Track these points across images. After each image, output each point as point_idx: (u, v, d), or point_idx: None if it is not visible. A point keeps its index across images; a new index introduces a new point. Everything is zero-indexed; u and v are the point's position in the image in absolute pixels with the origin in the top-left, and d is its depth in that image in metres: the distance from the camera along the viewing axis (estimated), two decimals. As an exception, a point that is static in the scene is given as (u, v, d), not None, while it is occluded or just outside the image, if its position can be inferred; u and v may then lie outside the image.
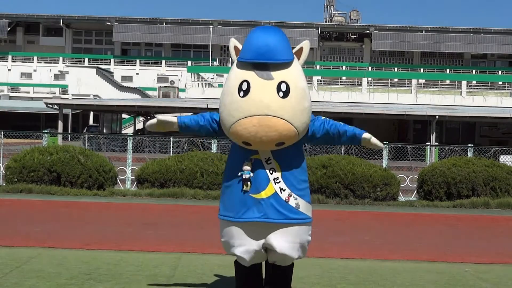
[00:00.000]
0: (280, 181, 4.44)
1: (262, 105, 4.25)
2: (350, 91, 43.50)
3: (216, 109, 4.85)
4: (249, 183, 4.43)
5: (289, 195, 4.44)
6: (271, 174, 4.44)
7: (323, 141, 4.75)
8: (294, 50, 4.46)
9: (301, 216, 4.49)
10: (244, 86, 4.30)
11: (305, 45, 4.51)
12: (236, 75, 4.39)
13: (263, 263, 4.79)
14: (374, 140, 4.69)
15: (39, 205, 11.50)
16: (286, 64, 4.33)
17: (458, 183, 13.36)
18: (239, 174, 4.45)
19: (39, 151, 13.66)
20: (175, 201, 12.61)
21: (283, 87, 4.28)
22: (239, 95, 4.31)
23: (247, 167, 4.44)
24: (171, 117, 4.78)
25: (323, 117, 4.73)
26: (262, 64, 4.28)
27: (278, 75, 4.29)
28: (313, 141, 4.74)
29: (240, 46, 4.47)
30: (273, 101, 4.25)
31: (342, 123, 4.73)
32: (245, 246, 4.51)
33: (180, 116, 4.86)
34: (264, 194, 4.42)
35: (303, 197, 4.51)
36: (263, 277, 4.85)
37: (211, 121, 4.75)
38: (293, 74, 4.36)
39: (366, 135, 4.67)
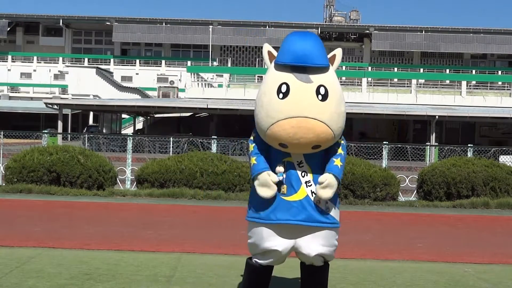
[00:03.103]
0: (311, 184, 4.45)
1: (302, 107, 4.26)
2: (350, 91, 43.51)
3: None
4: (284, 185, 4.44)
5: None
6: (303, 177, 4.45)
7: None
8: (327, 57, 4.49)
9: (331, 220, 4.51)
10: (283, 88, 4.31)
11: (338, 52, 4.56)
12: (275, 77, 4.39)
13: (299, 267, 4.81)
14: (322, 191, 4.37)
15: (39, 205, 11.50)
16: (324, 69, 4.38)
17: (458, 183, 13.36)
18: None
19: (39, 151, 13.66)
20: (175, 201, 12.61)
21: (322, 90, 4.31)
22: (278, 97, 4.31)
23: (280, 169, 4.45)
24: (271, 181, 4.42)
25: (345, 144, 4.66)
26: (301, 67, 4.32)
27: (317, 79, 4.33)
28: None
29: (273, 51, 4.52)
30: (313, 104, 4.27)
31: (339, 161, 4.52)
32: (274, 247, 4.52)
33: (256, 168, 4.48)
34: (296, 197, 4.43)
35: (333, 201, 4.53)
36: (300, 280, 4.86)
37: (259, 142, 4.55)
38: (331, 78, 4.41)
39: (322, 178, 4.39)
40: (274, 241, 4.50)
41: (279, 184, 4.44)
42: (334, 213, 4.55)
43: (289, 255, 4.67)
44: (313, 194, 4.44)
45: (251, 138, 4.63)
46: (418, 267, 6.76)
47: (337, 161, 4.50)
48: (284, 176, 4.44)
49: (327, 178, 4.39)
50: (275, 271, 4.86)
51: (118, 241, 7.78)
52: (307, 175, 4.46)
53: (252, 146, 4.59)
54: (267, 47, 4.56)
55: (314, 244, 4.49)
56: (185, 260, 6.68)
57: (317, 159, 4.49)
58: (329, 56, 4.50)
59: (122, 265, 6.35)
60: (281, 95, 4.30)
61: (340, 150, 4.56)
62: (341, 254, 7.37)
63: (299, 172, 4.45)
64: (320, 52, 4.37)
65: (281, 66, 4.39)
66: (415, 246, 8.23)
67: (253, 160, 4.52)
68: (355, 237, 8.84)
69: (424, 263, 7.04)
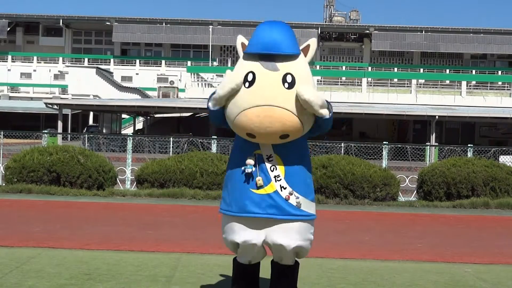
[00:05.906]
0: (281, 179, 4.41)
1: (267, 95, 4.22)
2: (350, 91, 43.53)
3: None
4: (259, 178, 4.40)
5: (290, 194, 4.41)
6: (272, 171, 4.41)
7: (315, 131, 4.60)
8: (301, 47, 4.44)
9: (302, 213, 4.45)
10: (250, 77, 4.27)
11: (312, 42, 4.50)
12: (242, 66, 4.38)
13: (269, 265, 4.78)
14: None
15: (39, 205, 11.50)
16: (292, 57, 4.32)
17: (458, 183, 13.36)
18: (243, 168, 4.43)
19: (38, 151, 13.65)
20: (175, 201, 12.61)
21: (289, 78, 4.25)
22: (245, 86, 4.28)
23: (250, 162, 4.42)
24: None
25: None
26: (268, 55, 4.28)
27: (284, 67, 4.28)
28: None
29: (247, 43, 4.48)
30: (278, 92, 4.22)
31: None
32: (246, 241, 4.48)
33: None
34: (264, 191, 4.39)
35: (305, 195, 4.47)
36: (268, 278, 4.84)
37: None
38: (300, 66, 4.35)
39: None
40: (245, 235, 4.47)
41: (249, 176, 4.41)
42: (307, 206, 4.49)
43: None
44: (282, 189, 4.40)
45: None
46: (418, 267, 6.75)
47: None
48: (254, 169, 4.40)
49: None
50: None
51: (118, 241, 7.78)
52: (276, 169, 4.41)
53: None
54: (240, 39, 4.54)
55: (286, 238, 4.44)
56: (185, 260, 6.68)
57: (288, 153, 4.44)
58: (303, 46, 4.47)
59: (122, 265, 6.34)
60: (247, 84, 4.28)
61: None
62: (341, 254, 7.38)
63: (268, 166, 4.42)
64: (288, 40, 4.33)
65: (249, 56, 4.36)
66: (415, 246, 8.23)
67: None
68: (355, 237, 8.84)
69: (424, 263, 7.04)
